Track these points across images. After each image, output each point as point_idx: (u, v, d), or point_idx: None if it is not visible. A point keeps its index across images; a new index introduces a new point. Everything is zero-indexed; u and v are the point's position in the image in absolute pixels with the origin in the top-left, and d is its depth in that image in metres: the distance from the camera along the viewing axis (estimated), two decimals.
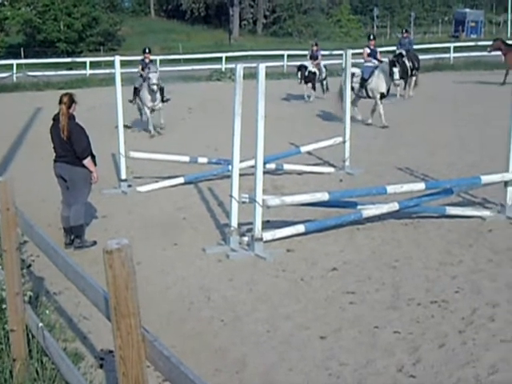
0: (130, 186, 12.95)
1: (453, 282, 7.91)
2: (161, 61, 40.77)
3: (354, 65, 21.97)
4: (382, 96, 19.57)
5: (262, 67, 9.06)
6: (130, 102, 19.40)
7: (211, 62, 41.41)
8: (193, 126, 20.18)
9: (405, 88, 23.86)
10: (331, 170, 14.23)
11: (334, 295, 7.65)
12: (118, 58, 13.05)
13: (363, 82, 19.77)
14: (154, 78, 18.61)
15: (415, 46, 29.63)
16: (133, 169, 13.81)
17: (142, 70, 19.77)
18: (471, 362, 5.90)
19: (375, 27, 78.86)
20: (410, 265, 8.61)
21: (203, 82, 35.12)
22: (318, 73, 25.62)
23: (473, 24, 73.37)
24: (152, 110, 19.04)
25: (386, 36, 72.79)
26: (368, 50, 20.70)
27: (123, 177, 12.94)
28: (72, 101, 9.36)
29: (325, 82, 26.23)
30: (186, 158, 13.80)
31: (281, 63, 39.91)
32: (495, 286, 7.76)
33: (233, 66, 9.57)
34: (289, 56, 40.28)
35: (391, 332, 6.60)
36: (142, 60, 20.42)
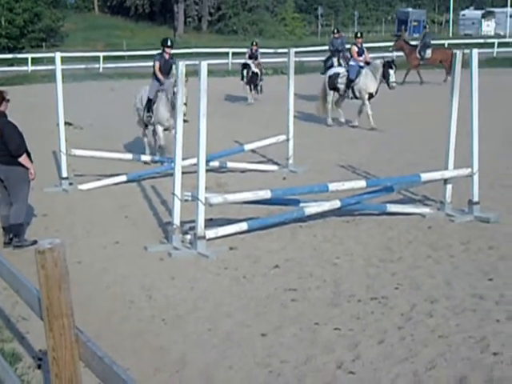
0: (71, 184, 12.79)
1: (392, 279, 8.01)
2: (104, 57, 40.49)
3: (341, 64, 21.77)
4: (371, 96, 18.95)
5: (204, 65, 9.05)
6: (147, 123, 15.27)
7: None
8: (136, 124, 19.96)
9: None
10: (275, 167, 14.29)
11: (275, 292, 7.67)
12: (58, 55, 12.89)
13: (349, 82, 19.20)
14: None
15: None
16: (74, 167, 13.65)
17: (160, 70, 15.08)
18: (410, 358, 5.98)
19: (320, 26, 79.33)
20: (351, 262, 8.69)
21: (148, 79, 34.80)
22: (259, 73, 25.46)
23: (415, 23, 74.35)
24: (164, 130, 14.78)
25: (330, 35, 73.35)
26: (356, 49, 19.84)
27: (64, 175, 12.77)
28: (2, 98, 9.18)
29: (261, 83, 25.91)
30: (129, 156, 13.72)
31: (225, 61, 39.96)
32: (434, 282, 7.88)
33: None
34: (234, 54, 40.33)
35: (331, 329, 6.65)
36: (160, 55, 15.33)
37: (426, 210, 10.72)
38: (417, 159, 14.33)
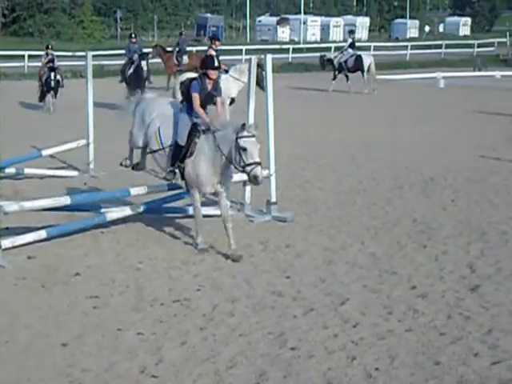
0: None
1: (195, 280, 8.12)
2: None
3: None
4: (232, 101, 18.26)
5: None
6: (167, 179, 9.82)
7: None
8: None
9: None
10: (75, 173, 13.99)
11: (76, 301, 7.53)
12: None
13: None
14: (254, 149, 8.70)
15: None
16: None
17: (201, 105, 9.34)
18: (211, 358, 6.11)
19: (119, 29, 78.72)
20: (154, 265, 8.71)
21: None
22: (60, 79, 24.50)
23: (214, 28, 75.80)
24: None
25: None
26: (213, 53, 18.28)
27: None
28: None
29: (60, 89, 24.82)
30: None
31: (22, 64, 38.70)
32: (234, 282, 8.08)
33: None
34: (30, 56, 39.05)
35: (134, 334, 6.64)
36: (200, 83, 9.37)
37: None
38: None
